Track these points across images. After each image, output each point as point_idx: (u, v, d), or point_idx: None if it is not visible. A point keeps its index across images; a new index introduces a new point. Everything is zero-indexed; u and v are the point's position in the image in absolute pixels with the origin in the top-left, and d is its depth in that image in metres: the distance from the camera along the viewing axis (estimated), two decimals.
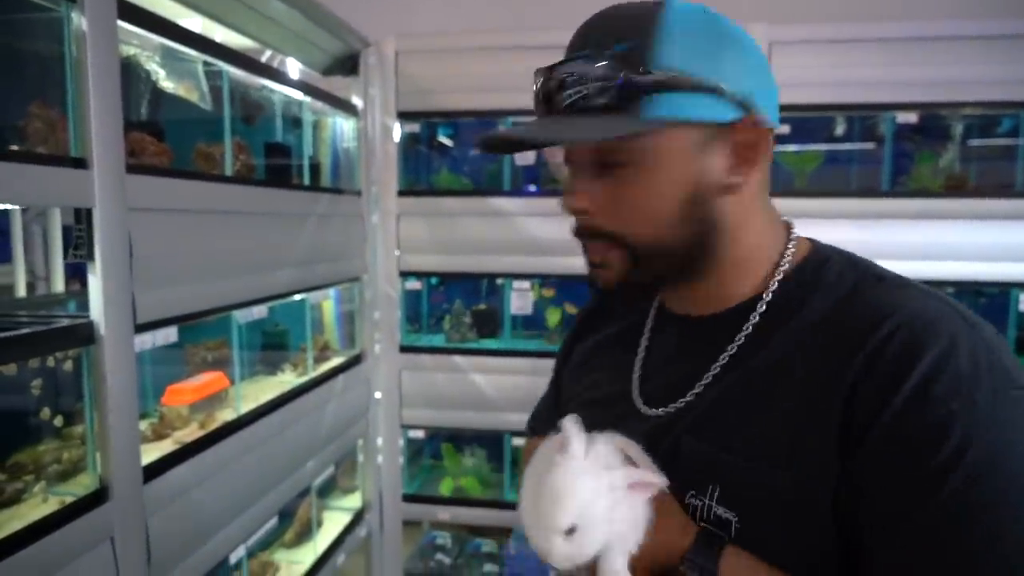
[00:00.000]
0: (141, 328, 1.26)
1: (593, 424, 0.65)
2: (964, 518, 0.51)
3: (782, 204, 2.41)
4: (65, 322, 1.15)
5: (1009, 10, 2.14)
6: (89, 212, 1.15)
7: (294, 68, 2.24)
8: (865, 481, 0.55)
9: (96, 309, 1.17)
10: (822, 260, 0.70)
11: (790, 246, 0.72)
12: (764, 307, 0.68)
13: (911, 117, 2.19)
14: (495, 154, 0.75)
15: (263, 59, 2.19)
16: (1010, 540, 0.51)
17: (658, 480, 0.62)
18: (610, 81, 0.61)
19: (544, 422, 0.95)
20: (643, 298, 0.79)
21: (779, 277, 0.69)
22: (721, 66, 0.63)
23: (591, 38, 0.65)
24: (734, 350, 0.69)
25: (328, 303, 2.34)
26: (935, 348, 0.56)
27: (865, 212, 2.22)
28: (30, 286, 1.75)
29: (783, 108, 2.51)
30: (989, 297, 2.30)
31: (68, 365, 1.18)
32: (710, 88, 0.62)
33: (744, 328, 0.69)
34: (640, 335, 0.82)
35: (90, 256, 1.15)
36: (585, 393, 0.85)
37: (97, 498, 1.17)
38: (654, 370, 0.77)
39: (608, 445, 0.64)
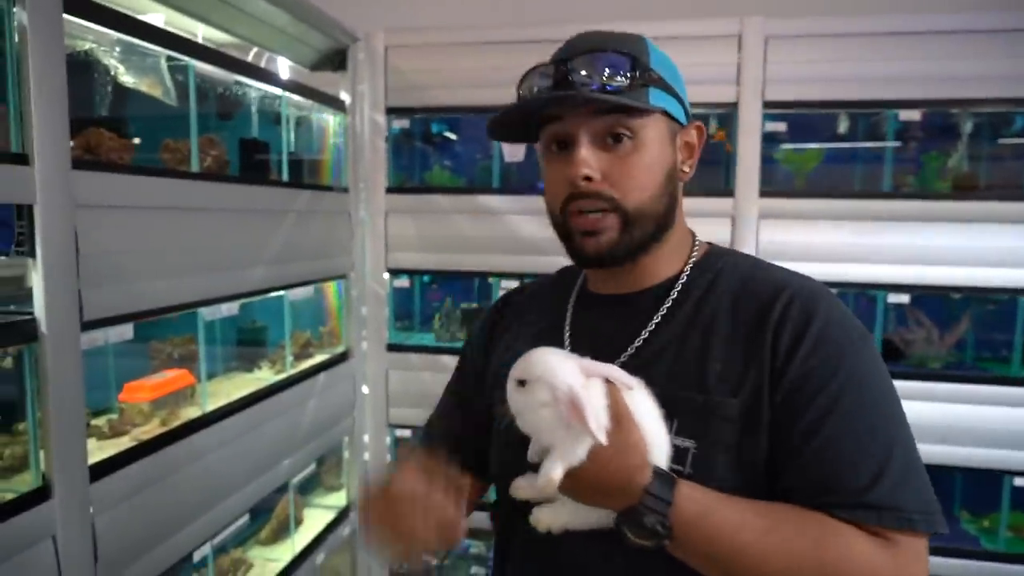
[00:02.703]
0: (89, 325, 1.25)
1: None
2: (855, 420, 0.73)
3: (780, 204, 2.34)
4: (5, 319, 1.15)
5: (1017, 3, 2.03)
6: (31, 208, 1.14)
7: (281, 64, 2.23)
8: (788, 401, 0.74)
9: (39, 306, 1.16)
10: (721, 252, 0.91)
11: (697, 242, 0.92)
12: (681, 286, 0.86)
13: (914, 115, 2.10)
14: (500, 138, 0.95)
15: (250, 56, 2.18)
16: (882, 431, 0.74)
17: (632, 381, 0.72)
18: (630, 70, 0.79)
19: (441, 436, 1.00)
20: (621, 265, 0.85)
21: (692, 262, 0.88)
22: (677, 83, 0.85)
23: (595, 42, 0.82)
24: (658, 319, 0.84)
25: (334, 295, 2.34)
26: (823, 307, 0.78)
27: (866, 213, 2.13)
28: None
29: (780, 105, 2.42)
30: (997, 303, 2.20)
31: (12, 362, 1.17)
32: (677, 95, 0.84)
33: (666, 301, 0.85)
34: (563, 315, 0.93)
35: (31, 253, 1.15)
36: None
37: (39, 495, 1.17)
38: (585, 341, 0.88)
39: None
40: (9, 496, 1.14)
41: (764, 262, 0.89)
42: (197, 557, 1.61)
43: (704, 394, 0.77)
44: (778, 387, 0.76)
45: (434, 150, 2.71)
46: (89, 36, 1.33)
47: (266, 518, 2.06)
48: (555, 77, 0.80)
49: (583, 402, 0.67)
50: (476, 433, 0.96)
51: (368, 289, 2.41)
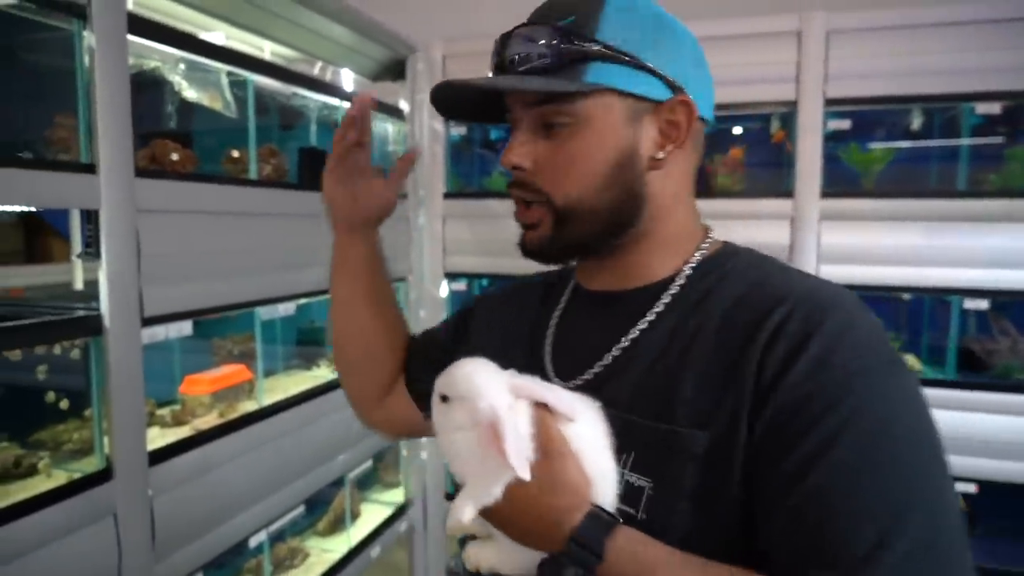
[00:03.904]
0: (149, 321, 1.35)
1: None
2: (857, 470, 0.56)
3: (843, 205, 2.25)
4: (77, 314, 1.26)
5: None
6: (96, 213, 1.25)
7: (344, 76, 2.33)
8: (771, 436, 0.59)
9: (103, 302, 1.27)
10: (732, 253, 0.77)
11: (707, 241, 0.78)
12: (677, 288, 0.73)
13: (994, 108, 1.97)
14: (453, 119, 0.87)
15: (316, 69, 2.30)
16: (896, 489, 0.55)
17: (577, 409, 0.61)
18: (551, 47, 0.68)
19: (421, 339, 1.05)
20: (563, 262, 0.80)
21: (693, 263, 0.75)
22: (657, 51, 0.70)
23: (541, 12, 0.72)
24: (644, 325, 0.73)
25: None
26: (832, 322, 0.62)
27: (940, 214, 2.01)
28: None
29: (843, 102, 2.33)
30: None
31: (80, 353, 1.29)
32: (643, 66, 0.69)
33: (656, 305, 0.73)
34: (551, 310, 0.85)
35: (97, 254, 1.26)
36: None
37: (101, 476, 1.27)
38: (566, 343, 0.80)
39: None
40: (77, 476, 1.25)
41: (783, 267, 0.73)
42: (253, 543, 1.70)
43: (667, 424, 0.64)
44: (759, 418, 0.60)
45: (496, 155, 2.75)
46: (155, 55, 1.44)
47: (323, 510, 2.14)
48: (497, 54, 0.73)
49: (505, 427, 0.56)
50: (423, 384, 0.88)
51: (426, 292, 2.47)
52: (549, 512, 0.58)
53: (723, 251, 0.77)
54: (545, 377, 0.76)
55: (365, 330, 1.00)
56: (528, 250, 0.77)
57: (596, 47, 0.68)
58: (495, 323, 0.91)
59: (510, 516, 0.59)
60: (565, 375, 0.77)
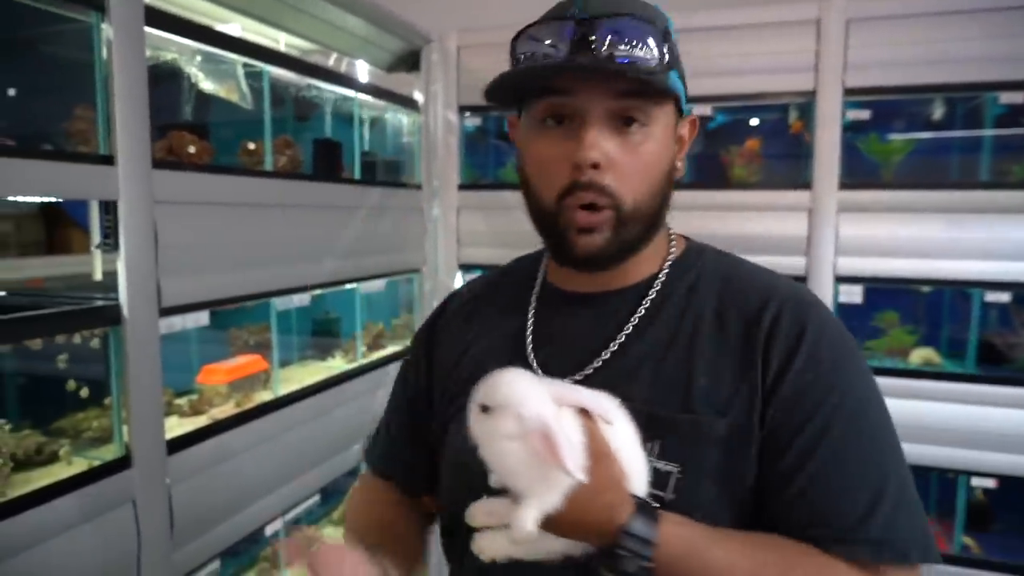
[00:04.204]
0: (167, 312, 1.37)
1: None
2: (850, 446, 0.67)
3: (861, 197, 2.23)
4: (96, 304, 1.28)
5: None
6: (115, 204, 1.26)
7: (360, 68, 2.33)
8: (780, 421, 0.68)
9: (122, 293, 1.28)
10: (699, 249, 0.82)
11: (674, 237, 0.82)
12: (659, 286, 0.77)
13: (1017, 97, 1.93)
14: (496, 101, 0.76)
15: (331, 61, 2.30)
16: (877, 458, 0.68)
17: (612, 411, 0.63)
18: (658, 47, 0.69)
19: (390, 459, 0.92)
20: (609, 268, 0.77)
21: (670, 261, 0.79)
22: (684, 70, 0.75)
23: (624, 5, 0.70)
24: (636, 321, 0.76)
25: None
26: (814, 318, 0.72)
27: (960, 205, 1.98)
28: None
29: (862, 91, 2.29)
30: None
31: (104, 343, 1.31)
32: (685, 83, 0.75)
33: (643, 303, 0.76)
34: (523, 315, 0.83)
35: (115, 245, 1.27)
36: (470, 373, 0.80)
37: (121, 464, 1.29)
38: (550, 344, 0.79)
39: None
40: (96, 463, 1.27)
41: (741, 260, 0.81)
42: (269, 531, 1.72)
43: (690, 413, 0.69)
44: (769, 406, 0.69)
45: (510, 146, 2.75)
46: (172, 47, 1.45)
47: (339, 499, 2.16)
48: (573, 39, 0.67)
49: (557, 436, 0.58)
50: (428, 456, 0.87)
51: (440, 284, 2.48)
52: (602, 510, 0.61)
53: (690, 249, 0.82)
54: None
55: None
56: (586, 257, 0.72)
57: (677, 55, 0.72)
58: (460, 340, 0.86)
59: (567, 519, 0.60)
60: (556, 375, 0.75)
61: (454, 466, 0.81)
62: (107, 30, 1.23)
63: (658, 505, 0.65)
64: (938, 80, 1.97)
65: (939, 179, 2.07)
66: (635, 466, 0.65)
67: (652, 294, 0.76)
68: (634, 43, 0.67)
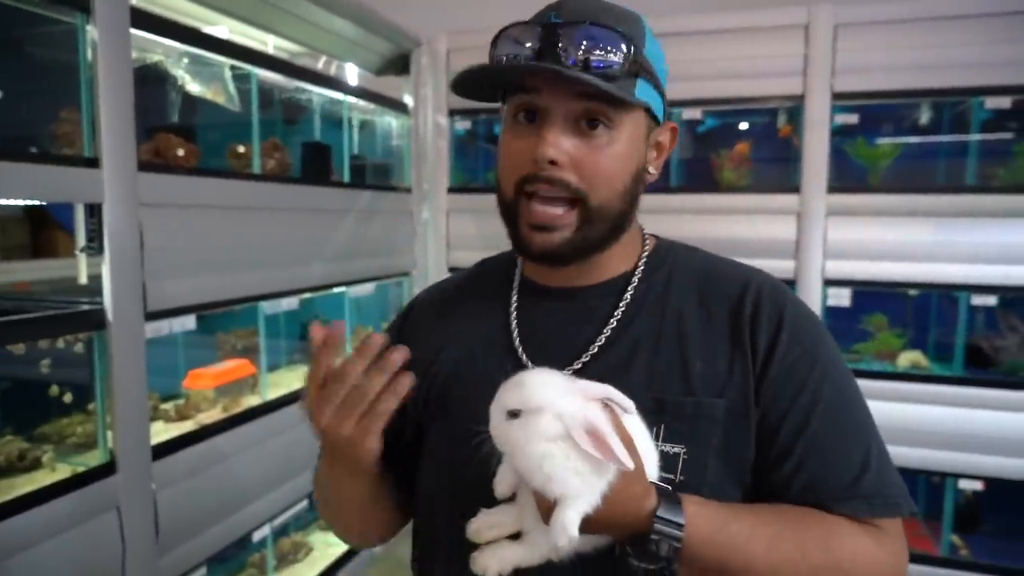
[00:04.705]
0: (153, 316, 1.35)
1: (480, 399, 0.64)
2: (838, 412, 0.73)
3: (850, 201, 2.24)
4: (80, 308, 1.26)
5: None
6: (99, 207, 1.25)
7: (349, 71, 2.33)
8: (773, 397, 0.73)
9: (106, 297, 1.27)
10: (669, 244, 0.85)
11: (647, 235, 0.85)
12: (637, 281, 0.80)
13: (1003, 102, 1.95)
14: (464, 95, 0.79)
15: (320, 64, 2.29)
16: (859, 420, 0.74)
17: (627, 401, 0.64)
18: (622, 54, 0.70)
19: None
20: (569, 264, 0.78)
21: (645, 255, 0.82)
22: (663, 76, 0.77)
23: (592, 10, 0.72)
24: (619, 315, 0.78)
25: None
26: (788, 299, 0.78)
27: (947, 209, 2.00)
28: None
29: (850, 96, 2.30)
30: None
31: (88, 347, 1.29)
32: (661, 91, 0.76)
33: (624, 296, 0.79)
34: (505, 311, 0.83)
35: (100, 248, 1.26)
36: (451, 370, 0.80)
37: (105, 470, 1.28)
38: (535, 337, 0.80)
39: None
40: (80, 469, 1.26)
41: (708, 253, 0.84)
42: (257, 537, 1.70)
43: (691, 396, 0.73)
44: (762, 383, 0.73)
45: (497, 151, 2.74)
46: (158, 49, 1.44)
47: None
48: (541, 41, 0.70)
49: (605, 428, 0.58)
50: (403, 465, 0.83)
51: None
52: (632, 500, 0.62)
53: (661, 245, 0.85)
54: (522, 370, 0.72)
55: (366, 511, 0.85)
56: (534, 252, 0.74)
57: (647, 65, 0.73)
58: (433, 339, 0.85)
59: (604, 515, 0.61)
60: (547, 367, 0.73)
61: (441, 477, 0.78)
62: (92, 31, 1.22)
63: (669, 488, 0.67)
64: (925, 85, 1.98)
65: (926, 183, 2.09)
66: (648, 453, 0.66)
67: (631, 289, 0.79)
68: (598, 50, 0.69)
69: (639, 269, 0.81)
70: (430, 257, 2.47)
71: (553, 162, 0.70)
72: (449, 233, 2.45)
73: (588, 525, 0.60)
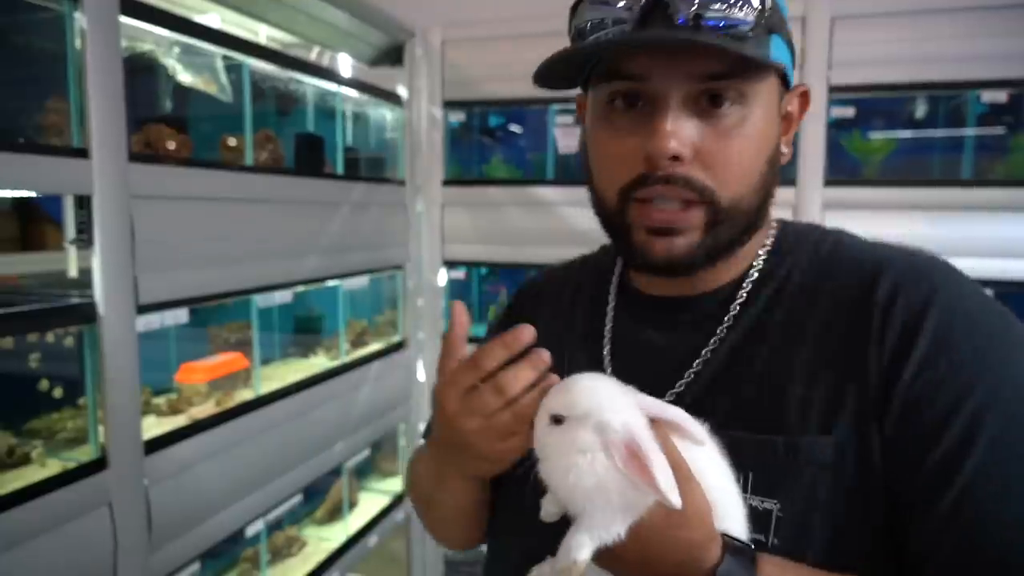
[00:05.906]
0: (144, 309, 1.33)
1: None
2: (1001, 474, 0.51)
3: (847, 194, 2.23)
4: (70, 301, 1.24)
5: None
6: (89, 199, 1.23)
7: (342, 62, 2.30)
8: (904, 430, 0.54)
9: (97, 290, 1.25)
10: (797, 231, 0.69)
11: (773, 225, 0.69)
12: (751, 284, 0.65)
13: (999, 96, 1.94)
14: (546, 85, 0.64)
15: (313, 55, 2.26)
16: None
17: (699, 432, 0.53)
18: (755, 9, 0.55)
19: None
20: (690, 274, 0.65)
21: (765, 252, 0.67)
22: (789, 29, 0.61)
23: None
24: (723, 331, 0.64)
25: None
26: (941, 289, 0.57)
27: (944, 203, 1.99)
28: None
29: (847, 89, 2.29)
30: None
31: (79, 341, 1.27)
32: (791, 47, 0.61)
33: (731, 309, 0.65)
34: (600, 316, 0.73)
35: (90, 241, 1.24)
36: None
37: (96, 466, 1.26)
38: (629, 353, 0.68)
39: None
40: (71, 465, 1.24)
41: (844, 236, 0.67)
42: (250, 532, 1.69)
43: (784, 434, 0.56)
44: (888, 412, 0.55)
45: (495, 142, 2.73)
46: (149, 38, 1.42)
47: (321, 499, 2.14)
48: (643, 6, 0.55)
49: (647, 446, 0.48)
50: None
51: (424, 281, 2.46)
52: (681, 548, 0.50)
53: (785, 231, 0.69)
54: None
55: (472, 518, 0.78)
56: (656, 262, 0.61)
57: (780, 15, 0.58)
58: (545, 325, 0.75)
59: (634, 553, 0.50)
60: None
61: (512, 497, 0.68)
62: (80, 19, 1.19)
63: (755, 549, 0.54)
64: (921, 78, 1.98)
65: (922, 177, 2.08)
66: (726, 496, 0.54)
67: (742, 294, 0.64)
68: (728, 8, 0.54)
69: (755, 268, 0.66)
70: (424, 250, 2.45)
71: (676, 157, 0.56)
72: (443, 226, 2.44)
73: (614, 561, 0.51)
